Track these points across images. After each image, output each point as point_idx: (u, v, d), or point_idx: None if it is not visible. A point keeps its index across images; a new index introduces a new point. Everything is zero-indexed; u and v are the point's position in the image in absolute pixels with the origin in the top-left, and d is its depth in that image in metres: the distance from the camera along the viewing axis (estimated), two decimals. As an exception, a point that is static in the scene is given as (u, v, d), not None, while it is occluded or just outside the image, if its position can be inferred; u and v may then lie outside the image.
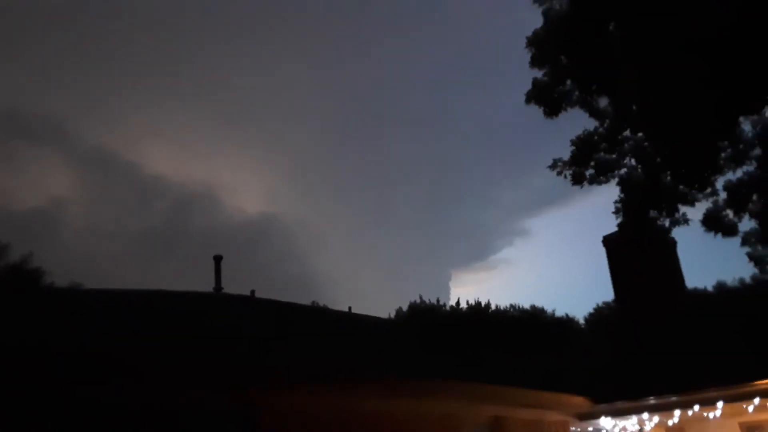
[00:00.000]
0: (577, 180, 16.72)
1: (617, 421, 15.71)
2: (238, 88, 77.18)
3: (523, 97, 17.35)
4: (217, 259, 16.06)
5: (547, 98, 17.56)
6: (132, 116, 70.39)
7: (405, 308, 32.40)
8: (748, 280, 25.90)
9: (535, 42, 17.89)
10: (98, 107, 70.60)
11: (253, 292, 16.16)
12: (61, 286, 17.26)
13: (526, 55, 18.24)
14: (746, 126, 16.11)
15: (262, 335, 12.95)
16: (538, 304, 34.09)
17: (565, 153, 17.50)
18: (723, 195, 16.41)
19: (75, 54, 67.36)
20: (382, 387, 11.97)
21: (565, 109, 18.61)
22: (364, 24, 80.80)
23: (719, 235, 16.27)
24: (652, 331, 16.92)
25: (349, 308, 20.11)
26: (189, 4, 71.40)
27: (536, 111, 18.28)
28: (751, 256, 17.32)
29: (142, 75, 69.36)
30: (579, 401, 15.02)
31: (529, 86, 16.93)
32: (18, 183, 62.04)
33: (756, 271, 20.19)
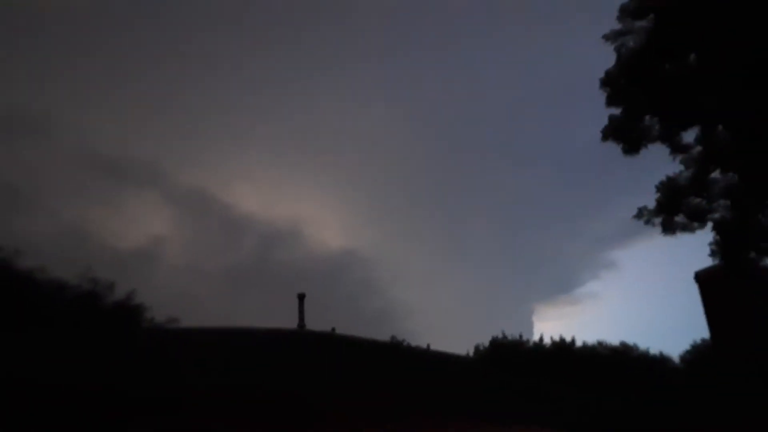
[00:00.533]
0: (668, 228, 15.90)
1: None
2: (321, 127, 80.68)
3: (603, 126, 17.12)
4: (301, 297, 16.71)
5: (625, 135, 17.14)
6: (223, 160, 75.47)
7: (485, 342, 31.89)
8: None
9: (608, 81, 17.60)
10: (193, 151, 76.19)
11: (333, 329, 16.65)
12: (156, 325, 18.41)
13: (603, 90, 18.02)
14: None
15: (340, 373, 13.33)
16: (628, 340, 32.44)
17: (652, 184, 16.82)
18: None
19: (172, 102, 73.41)
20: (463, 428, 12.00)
21: (645, 146, 18.01)
22: (443, 60, 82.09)
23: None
24: (750, 370, 15.85)
25: (428, 345, 20.15)
26: (270, 52, 75.84)
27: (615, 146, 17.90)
28: None
29: (229, 116, 74.30)
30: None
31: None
32: (122, 223, 67.57)
33: None
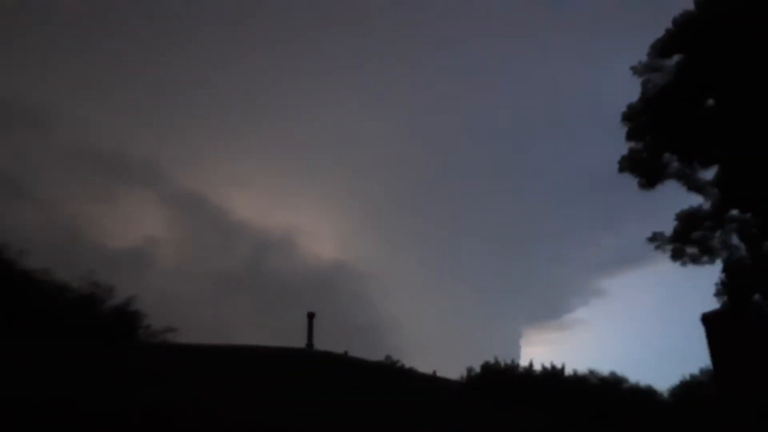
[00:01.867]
0: (677, 256, 16.27)
1: None
2: (321, 137, 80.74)
3: (604, 157, 17.41)
4: (311, 316, 16.47)
5: (643, 169, 17.43)
6: (221, 163, 74.97)
7: (475, 365, 31.69)
8: None
9: (631, 116, 17.87)
10: (192, 153, 75.57)
11: (346, 352, 16.45)
12: (159, 341, 18.04)
13: (610, 116, 18.29)
14: None
15: (353, 397, 13.17)
16: (614, 368, 32.52)
17: (646, 215, 17.24)
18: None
19: (174, 102, 72.85)
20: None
21: (662, 182, 18.34)
22: (446, 74, 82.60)
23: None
24: (754, 417, 15.93)
25: (434, 372, 20.02)
26: (273, 57, 75.81)
27: (618, 174, 18.08)
28: None
29: (230, 123, 74.05)
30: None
31: (610, 147, 16.99)
32: (116, 221, 66.60)
33: None
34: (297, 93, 79.48)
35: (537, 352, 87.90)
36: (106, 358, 12.98)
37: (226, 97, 72.66)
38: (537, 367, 32.25)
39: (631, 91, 18.07)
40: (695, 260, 15.49)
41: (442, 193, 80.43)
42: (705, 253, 15.40)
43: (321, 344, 22.87)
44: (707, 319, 18.21)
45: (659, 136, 15.68)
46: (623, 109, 16.87)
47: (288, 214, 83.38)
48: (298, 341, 23.45)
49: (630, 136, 16.07)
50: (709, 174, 16.12)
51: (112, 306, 19.85)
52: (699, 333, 18.52)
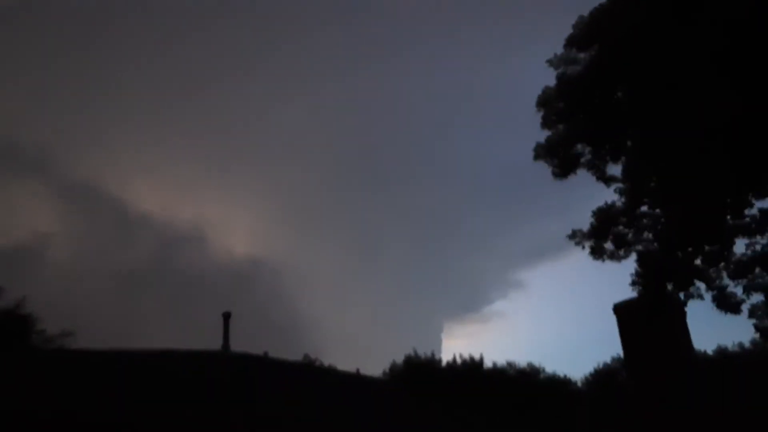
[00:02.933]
0: (597, 254, 16.77)
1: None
2: (232, 127, 77.45)
3: (521, 149, 17.80)
4: (226, 317, 15.55)
5: (557, 158, 17.81)
6: (121, 151, 69.62)
7: (397, 359, 31.60)
8: (747, 344, 26.06)
9: (545, 102, 18.22)
10: (86, 139, 69.99)
11: (266, 353, 15.63)
12: (70, 348, 16.41)
13: (526, 109, 18.56)
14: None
15: (278, 399, 12.50)
16: (533, 359, 33.59)
17: (563, 207, 17.84)
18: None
19: (64, 83, 67.17)
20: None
21: (574, 172, 18.89)
22: (364, 67, 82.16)
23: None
24: (663, 403, 16.73)
25: (357, 370, 19.58)
26: (183, 39, 72.09)
27: (534, 166, 18.48)
28: (758, 327, 17.46)
29: (132, 109, 69.12)
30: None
31: (527, 140, 17.31)
32: (2, 215, 60.68)
33: (756, 337, 20.35)
34: (204, 77, 75.49)
35: (458, 344, 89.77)
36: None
37: (127, 80, 67.34)
38: (457, 360, 32.73)
39: (548, 82, 18.26)
40: (612, 256, 15.95)
41: (359, 185, 79.89)
42: (621, 247, 15.90)
43: (238, 345, 21.79)
44: (619, 309, 19.04)
45: (572, 125, 15.96)
46: (540, 93, 17.11)
47: (196, 206, 78.72)
48: (213, 343, 22.23)
49: (544, 123, 16.28)
50: (618, 168, 16.65)
51: (0, 309, 17.97)
52: (612, 322, 19.34)
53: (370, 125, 80.00)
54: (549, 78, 17.52)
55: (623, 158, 17.75)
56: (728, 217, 15.97)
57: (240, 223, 77.22)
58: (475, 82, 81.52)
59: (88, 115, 67.50)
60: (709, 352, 27.06)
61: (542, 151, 17.45)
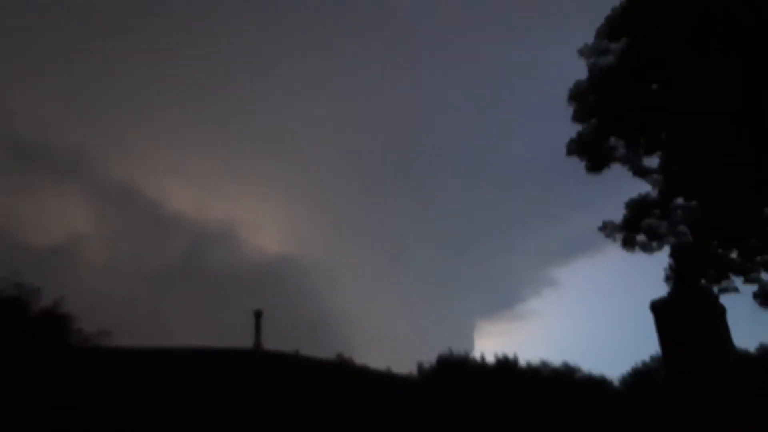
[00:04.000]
0: (628, 245, 16.40)
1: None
2: (261, 125, 77.83)
3: (552, 145, 17.36)
4: (258, 314, 15.65)
5: (590, 152, 17.43)
6: (153, 153, 70.74)
7: (429, 358, 31.39)
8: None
9: (577, 95, 17.85)
10: (120, 143, 71.42)
11: (297, 351, 15.70)
12: (108, 346, 16.83)
13: (561, 104, 18.14)
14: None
15: (310, 398, 12.48)
16: (567, 358, 32.92)
17: (596, 203, 17.38)
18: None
19: (97, 87, 68.78)
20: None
21: (608, 166, 18.48)
22: (394, 64, 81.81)
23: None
24: (702, 403, 16.17)
25: (389, 369, 19.51)
26: (212, 35, 72.79)
27: (566, 161, 18.08)
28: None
29: (163, 111, 70.23)
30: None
31: (557, 134, 16.90)
32: (39, 217, 62.62)
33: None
34: (234, 73, 75.63)
35: (491, 344, 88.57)
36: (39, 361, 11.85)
37: (157, 82, 68.17)
38: (491, 359, 32.35)
39: (578, 74, 17.83)
40: (645, 248, 15.57)
41: (390, 182, 79.37)
42: (654, 240, 15.47)
43: (269, 343, 21.97)
44: (656, 307, 18.45)
45: (605, 119, 15.59)
46: (571, 87, 16.73)
47: (227, 205, 79.29)
48: (245, 341, 22.46)
49: (576, 117, 15.93)
50: (653, 160, 16.18)
51: (39, 309, 18.49)
52: (650, 320, 18.75)
53: (401, 122, 79.58)
54: (579, 70, 17.16)
55: (659, 152, 17.28)
56: (766, 209, 15.40)
57: (271, 220, 77.64)
58: (504, 76, 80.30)
59: (119, 117, 68.97)
60: (751, 350, 26.15)
61: (575, 147, 17.15)
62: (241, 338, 21.56)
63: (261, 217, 77.88)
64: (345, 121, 78.14)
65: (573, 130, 17.45)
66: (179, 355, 13.86)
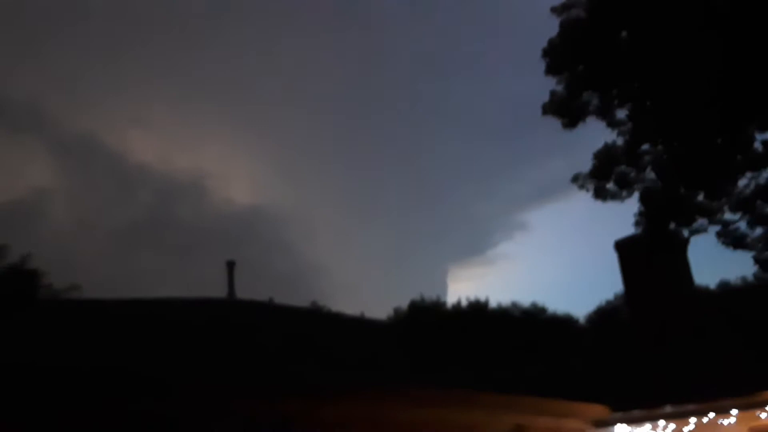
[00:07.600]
0: (600, 195, 16.76)
1: (633, 429, 15.75)
2: (226, 70, 75.11)
3: (519, 85, 17.36)
4: (230, 265, 15.69)
5: (565, 111, 17.57)
6: (115, 102, 67.83)
7: (402, 304, 32.19)
8: (750, 278, 26.26)
9: (550, 52, 17.81)
10: (80, 93, 68.27)
11: (271, 299, 15.85)
12: (76, 298, 16.74)
13: (530, 48, 18.03)
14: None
15: (287, 346, 12.73)
16: (538, 301, 34.14)
17: (566, 148, 17.59)
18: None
19: (53, 35, 65.17)
20: (406, 399, 11.91)
21: (583, 120, 18.63)
22: (367, 4, 79.18)
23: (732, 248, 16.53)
24: (665, 338, 17.00)
25: (362, 314, 19.91)
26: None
27: (537, 103, 18.21)
28: (757, 260, 17.60)
29: (124, 58, 67.02)
30: (597, 410, 15.02)
31: (529, 80, 16.87)
32: (-3, 172, 60.30)
33: (757, 269, 20.57)
34: (200, 17, 72.09)
35: (464, 288, 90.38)
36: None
37: (116, 29, 64.75)
38: (463, 303, 33.32)
39: (554, 28, 17.74)
40: (615, 196, 15.84)
41: (360, 130, 78.41)
42: (623, 188, 15.76)
43: (243, 295, 21.97)
44: (620, 246, 19.11)
45: (578, 73, 15.59)
46: (546, 44, 16.62)
47: (194, 156, 76.71)
48: (217, 293, 22.41)
49: (549, 71, 15.86)
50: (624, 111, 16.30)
51: (5, 265, 18.27)
52: (616, 261, 19.44)
53: (370, 69, 78.01)
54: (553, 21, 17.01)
55: (630, 101, 17.43)
56: (731, 151, 15.81)
57: (239, 172, 76.01)
58: (476, 20, 78.87)
59: (79, 66, 65.95)
60: (712, 286, 27.39)
61: (549, 108, 17.18)
62: (214, 291, 21.62)
63: (230, 169, 76.12)
64: (315, 68, 76.38)
65: (547, 81, 17.40)
66: (152, 305, 13.89)
